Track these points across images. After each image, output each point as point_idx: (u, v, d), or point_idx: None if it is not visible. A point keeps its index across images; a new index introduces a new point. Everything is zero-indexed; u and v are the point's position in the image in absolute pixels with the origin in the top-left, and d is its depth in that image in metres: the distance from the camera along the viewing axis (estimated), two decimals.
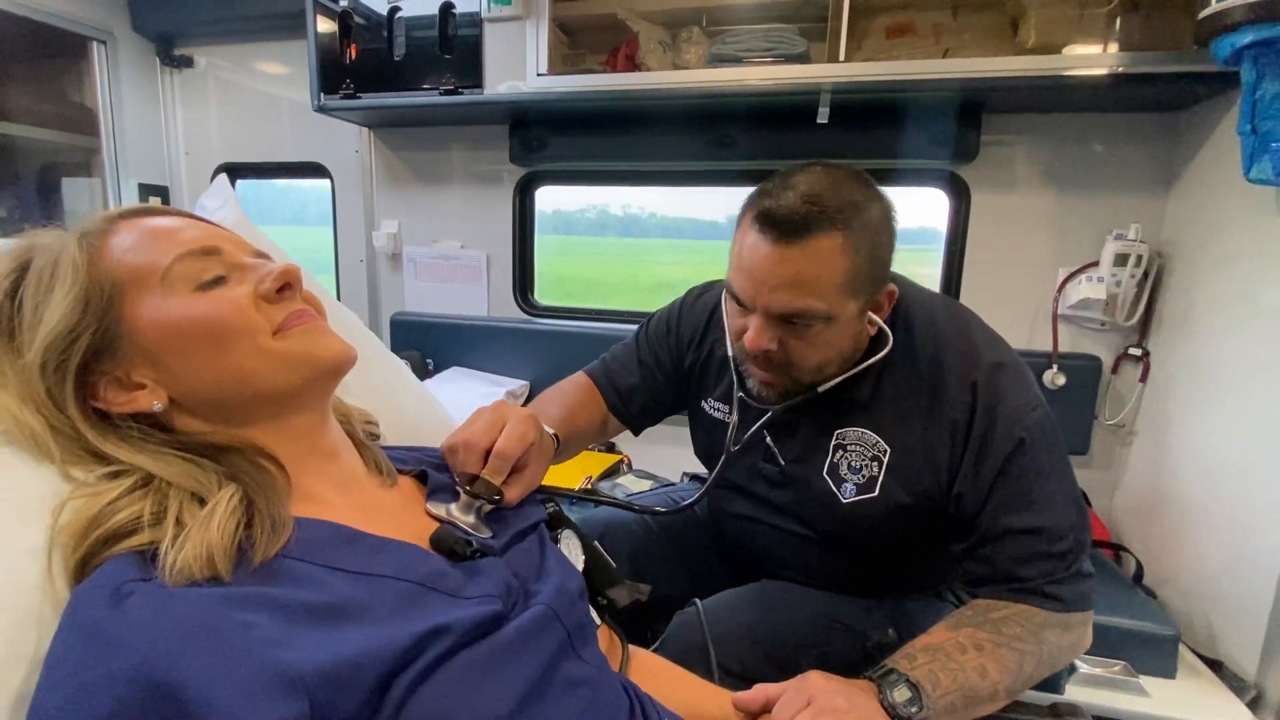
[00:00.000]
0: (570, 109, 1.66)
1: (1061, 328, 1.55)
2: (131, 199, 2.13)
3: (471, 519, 0.61)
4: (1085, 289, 1.46)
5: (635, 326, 1.12)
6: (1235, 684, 1.11)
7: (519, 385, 1.93)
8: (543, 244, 2.02)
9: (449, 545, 0.54)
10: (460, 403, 1.76)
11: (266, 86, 2.12)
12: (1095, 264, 1.49)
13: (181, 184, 2.26)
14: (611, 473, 1.66)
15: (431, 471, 0.65)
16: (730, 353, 0.89)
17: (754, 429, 0.90)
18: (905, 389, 0.83)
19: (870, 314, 0.81)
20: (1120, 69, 1.23)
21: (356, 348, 0.56)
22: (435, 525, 0.57)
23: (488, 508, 0.63)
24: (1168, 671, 1.13)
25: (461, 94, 1.58)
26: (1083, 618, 0.77)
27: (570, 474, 1.58)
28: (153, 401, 0.50)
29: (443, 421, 0.96)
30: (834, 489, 0.85)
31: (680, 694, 0.68)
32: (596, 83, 1.50)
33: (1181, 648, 1.16)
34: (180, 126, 2.23)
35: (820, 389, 0.83)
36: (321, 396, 0.57)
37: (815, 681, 0.65)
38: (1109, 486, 1.57)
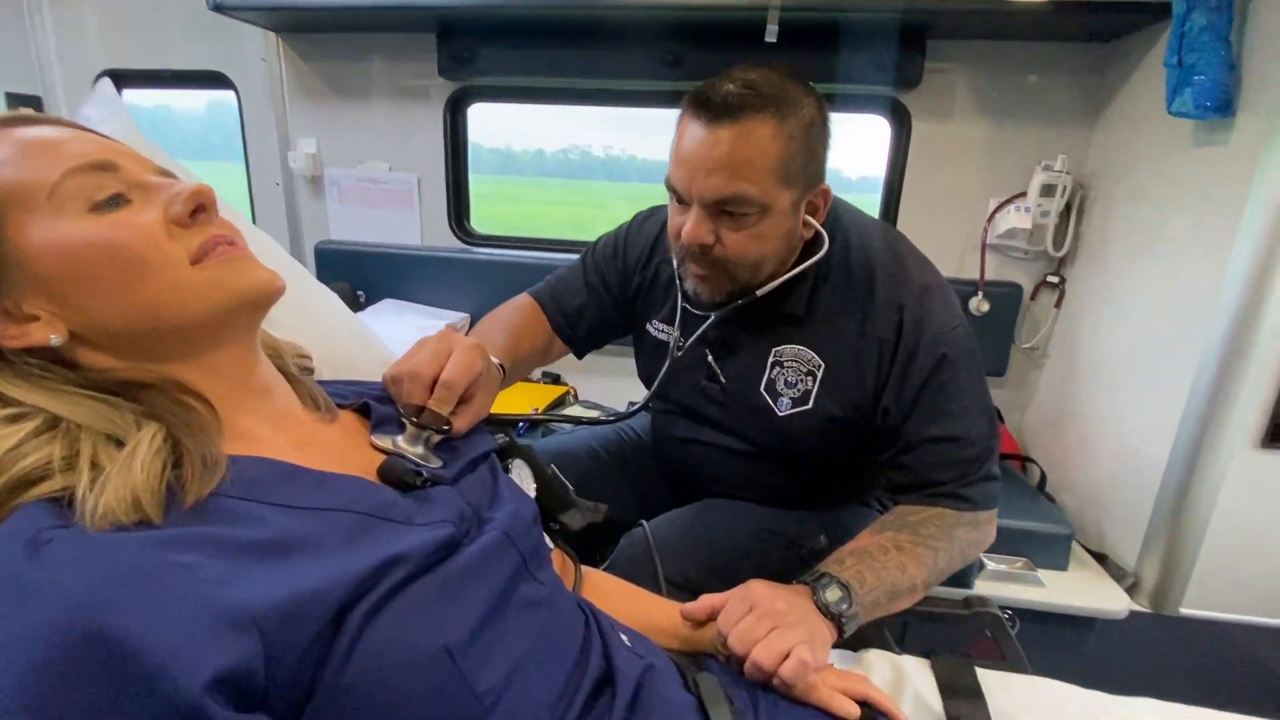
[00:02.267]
0: (505, 16, 1.54)
1: (989, 256, 1.62)
2: None
3: (420, 450, 0.60)
4: (1012, 218, 1.53)
5: (576, 255, 1.09)
6: (1117, 573, 1.26)
7: (459, 318, 1.87)
8: (488, 187, 1.92)
9: (398, 476, 0.53)
10: (396, 337, 1.68)
11: None
12: (1023, 194, 1.54)
13: (57, 94, 1.98)
14: (558, 404, 1.66)
15: (374, 404, 0.63)
16: (673, 260, 0.90)
17: (696, 335, 0.92)
18: (839, 305, 0.86)
19: (806, 217, 0.83)
20: None
21: (286, 284, 0.52)
22: (381, 459, 0.55)
23: (436, 438, 0.62)
24: (1061, 565, 1.27)
25: None
26: (989, 515, 0.85)
27: (517, 405, 1.57)
28: (49, 335, 0.44)
29: (380, 354, 0.92)
30: (770, 403, 0.89)
31: (632, 608, 0.72)
32: None
33: (1074, 545, 1.30)
34: (49, 25, 1.93)
35: (759, 292, 0.85)
36: (247, 330, 0.52)
37: (756, 589, 0.70)
38: (1021, 404, 1.70)
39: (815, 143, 0.79)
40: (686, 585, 0.89)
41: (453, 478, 0.58)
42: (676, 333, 0.94)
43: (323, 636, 0.39)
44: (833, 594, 0.71)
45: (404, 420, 0.61)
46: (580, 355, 1.09)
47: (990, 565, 1.24)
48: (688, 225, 0.79)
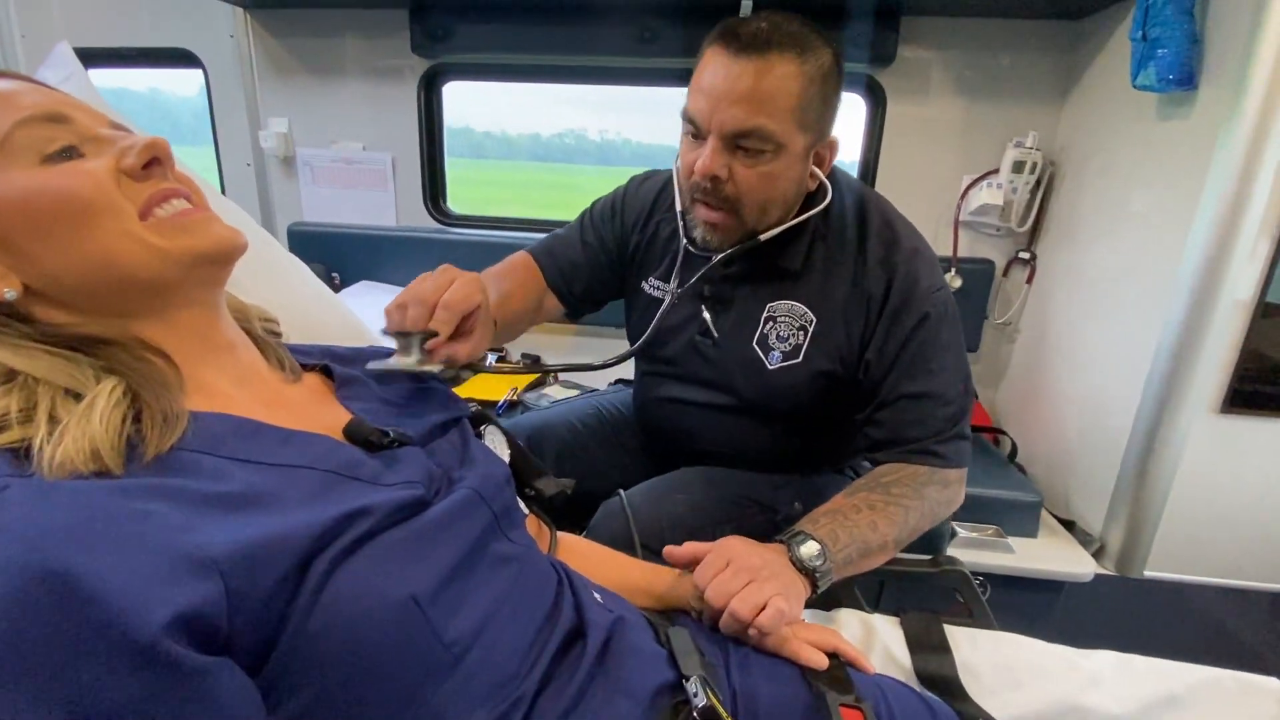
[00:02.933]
0: None
1: (962, 233, 1.64)
2: None
3: (415, 357, 0.61)
4: (985, 195, 1.55)
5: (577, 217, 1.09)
6: (1084, 539, 1.30)
7: None
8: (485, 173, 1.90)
9: (364, 436, 0.52)
10: (372, 319, 1.68)
11: None
12: (996, 171, 1.56)
13: (19, 69, 1.92)
14: (538, 385, 1.66)
15: (336, 366, 0.62)
16: (676, 211, 0.92)
17: (695, 278, 0.93)
18: (833, 261, 0.89)
19: (813, 168, 0.85)
20: None
21: (248, 242, 0.52)
22: (347, 419, 0.55)
23: (430, 361, 0.63)
24: (1031, 532, 1.30)
25: None
26: (959, 475, 0.87)
27: (497, 388, 1.57)
28: (2, 290, 0.44)
29: (350, 322, 0.92)
30: (761, 356, 0.91)
31: (606, 569, 0.72)
32: None
33: (1043, 512, 1.33)
34: (12, 2, 1.87)
35: (762, 237, 0.87)
36: (208, 288, 0.52)
37: (733, 545, 0.71)
38: (994, 379, 1.73)
39: (830, 91, 0.81)
40: (662, 549, 0.90)
41: (421, 439, 0.58)
42: (675, 283, 0.95)
43: (287, 582, 0.39)
44: (808, 550, 0.73)
45: (390, 335, 0.62)
46: (574, 315, 1.09)
47: (962, 533, 1.27)
48: (703, 156, 0.80)
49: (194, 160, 0.56)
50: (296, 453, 0.47)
